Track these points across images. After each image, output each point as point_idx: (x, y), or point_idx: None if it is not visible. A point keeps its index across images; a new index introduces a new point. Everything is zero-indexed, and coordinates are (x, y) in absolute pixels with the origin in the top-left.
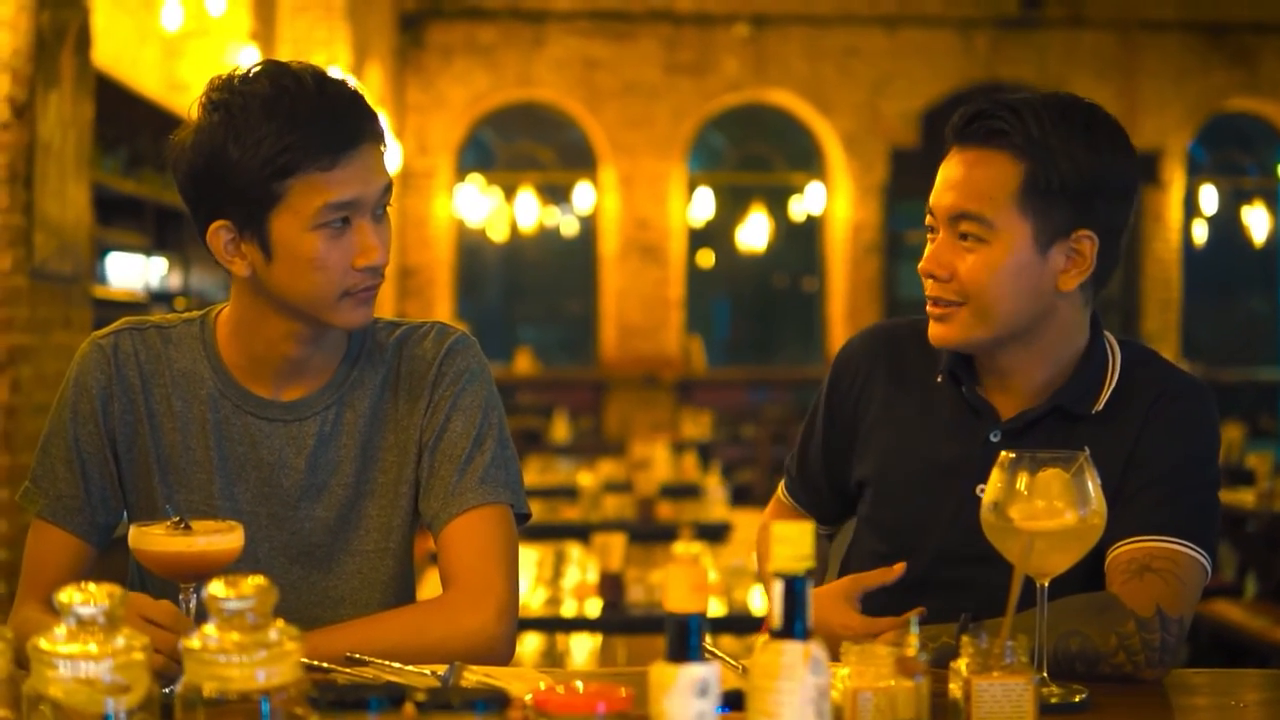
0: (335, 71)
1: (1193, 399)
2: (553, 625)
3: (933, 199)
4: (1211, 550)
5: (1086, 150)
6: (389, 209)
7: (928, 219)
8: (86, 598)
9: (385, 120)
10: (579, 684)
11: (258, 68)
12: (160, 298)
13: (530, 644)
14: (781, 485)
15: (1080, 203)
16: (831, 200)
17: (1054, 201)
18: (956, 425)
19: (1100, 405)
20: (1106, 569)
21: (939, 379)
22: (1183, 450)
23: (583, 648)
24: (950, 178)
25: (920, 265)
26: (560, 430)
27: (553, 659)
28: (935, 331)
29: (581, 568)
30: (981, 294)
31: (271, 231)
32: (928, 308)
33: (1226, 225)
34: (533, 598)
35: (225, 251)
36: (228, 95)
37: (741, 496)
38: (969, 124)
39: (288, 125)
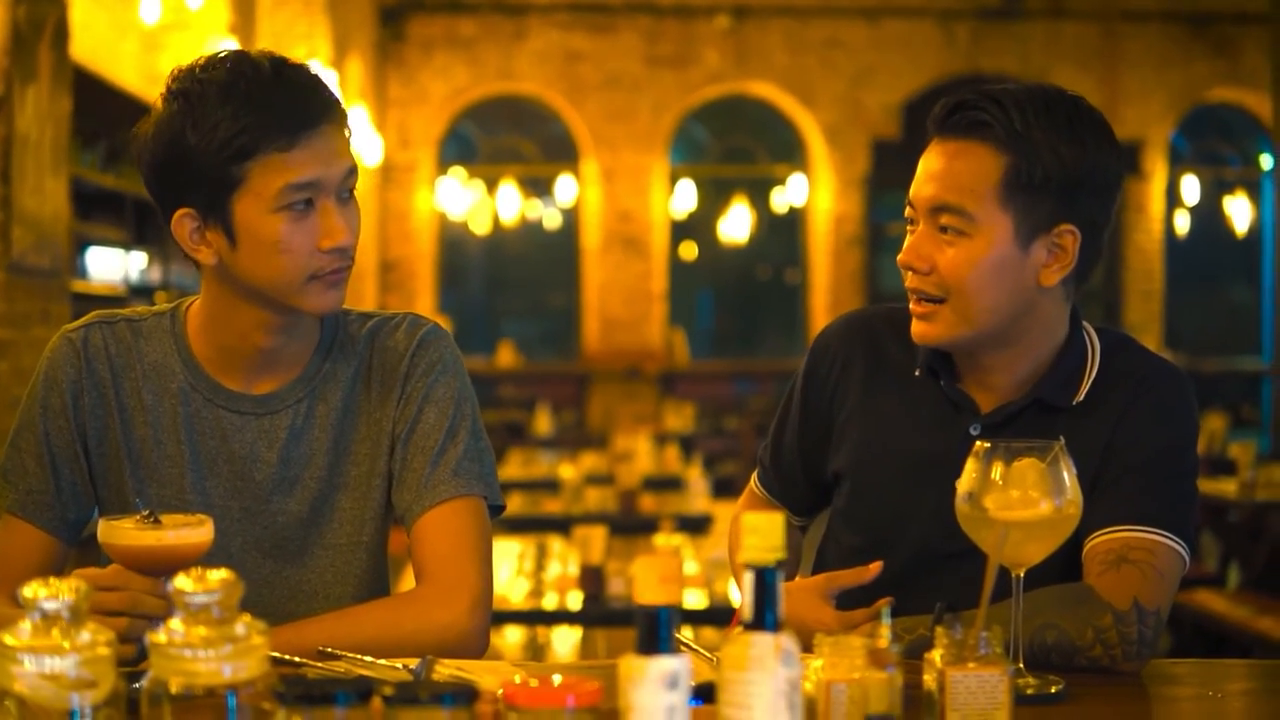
0: (315, 65)
1: (1170, 386)
2: (534, 618)
3: (913, 190)
4: (1189, 539)
5: (1070, 144)
6: (355, 194)
7: (907, 211)
8: (51, 592)
9: (366, 114)
10: (557, 677)
11: (218, 56)
12: (140, 291)
13: (511, 637)
14: (754, 477)
15: (1063, 197)
16: (813, 192)
17: (1036, 195)
18: (936, 419)
19: (1080, 397)
20: (1084, 559)
21: (917, 373)
22: (1160, 439)
23: (564, 641)
24: (930, 169)
25: (899, 257)
26: (543, 423)
27: (534, 652)
28: (918, 329)
29: (562, 561)
30: (962, 289)
31: (234, 216)
32: (910, 304)
33: (1209, 216)
34: (514, 591)
35: (191, 240)
36: (186, 84)
37: (724, 488)
38: (951, 115)
39: (244, 108)
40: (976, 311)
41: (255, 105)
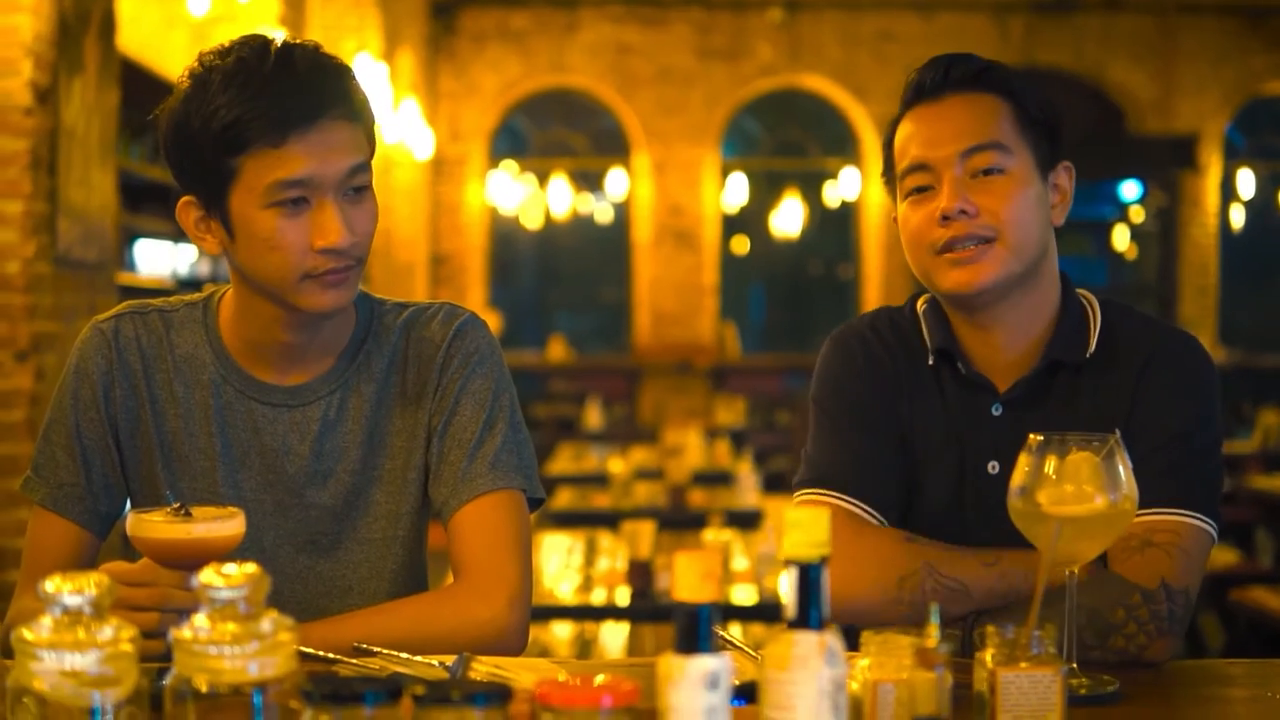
0: (363, 58)
1: (1184, 359)
2: (582, 614)
3: (923, 151)
4: (1215, 514)
5: (1036, 90)
6: (370, 190)
7: (919, 178)
8: (73, 587)
9: (417, 107)
10: (600, 676)
11: (241, 40)
12: (188, 284)
13: (560, 632)
14: (839, 500)
15: (1053, 136)
16: (866, 185)
17: (1039, 133)
18: (957, 406)
19: (1092, 347)
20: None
21: (930, 362)
22: (1180, 416)
23: (612, 637)
24: (944, 125)
25: (943, 207)
26: (593, 418)
27: (582, 648)
28: (965, 277)
29: (611, 556)
30: (1014, 221)
31: (231, 208)
32: (950, 256)
33: (1264, 210)
34: (563, 586)
35: (195, 229)
36: (200, 68)
37: (774, 484)
38: (951, 70)
39: (239, 98)
40: (1024, 244)
41: (250, 96)
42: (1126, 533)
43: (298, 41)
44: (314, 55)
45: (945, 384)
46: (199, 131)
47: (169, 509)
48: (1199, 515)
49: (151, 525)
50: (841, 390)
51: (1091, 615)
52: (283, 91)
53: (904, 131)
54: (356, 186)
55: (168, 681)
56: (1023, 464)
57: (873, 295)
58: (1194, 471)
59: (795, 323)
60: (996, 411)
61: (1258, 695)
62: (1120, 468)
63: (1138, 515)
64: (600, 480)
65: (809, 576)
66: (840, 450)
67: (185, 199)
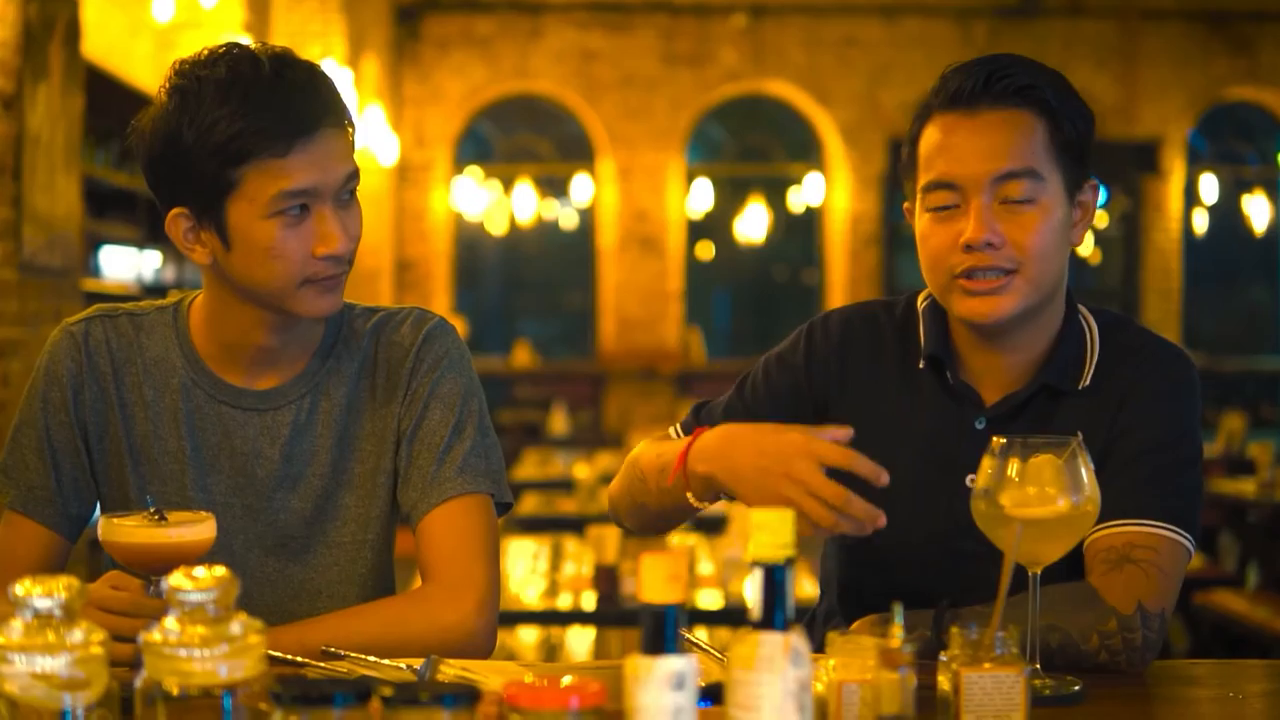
0: (329, 64)
1: (1169, 371)
2: (548, 618)
3: (952, 169)
4: (1193, 528)
5: (1079, 102)
6: (356, 195)
7: (939, 196)
8: (44, 590)
9: (382, 113)
10: (567, 678)
11: (219, 50)
12: (153, 291)
13: (525, 637)
14: (679, 424)
15: (1084, 153)
16: (830, 191)
17: (1071, 153)
18: (940, 414)
19: (1086, 380)
20: (1085, 555)
21: (920, 365)
22: (1161, 428)
23: (578, 641)
24: (978, 142)
25: (969, 237)
26: (558, 423)
27: (548, 652)
28: (987, 307)
29: (577, 561)
30: (1036, 256)
31: (228, 219)
32: (969, 284)
33: (1227, 214)
34: (528, 591)
35: (185, 240)
36: (186, 79)
37: None
38: (993, 83)
39: (240, 110)
40: (1044, 276)
41: (252, 107)
42: (1105, 545)
43: (279, 50)
44: (304, 67)
45: (930, 389)
46: (195, 144)
47: (145, 513)
48: (1176, 529)
49: (126, 530)
50: (772, 361)
51: (1064, 640)
52: (284, 102)
53: (931, 138)
54: (350, 191)
55: (138, 684)
56: (986, 466)
57: (837, 300)
58: (1172, 483)
59: (760, 328)
60: (980, 425)
61: (1220, 695)
62: (1083, 470)
63: (1117, 526)
64: (566, 485)
65: (774, 577)
66: (729, 402)
67: (176, 211)
